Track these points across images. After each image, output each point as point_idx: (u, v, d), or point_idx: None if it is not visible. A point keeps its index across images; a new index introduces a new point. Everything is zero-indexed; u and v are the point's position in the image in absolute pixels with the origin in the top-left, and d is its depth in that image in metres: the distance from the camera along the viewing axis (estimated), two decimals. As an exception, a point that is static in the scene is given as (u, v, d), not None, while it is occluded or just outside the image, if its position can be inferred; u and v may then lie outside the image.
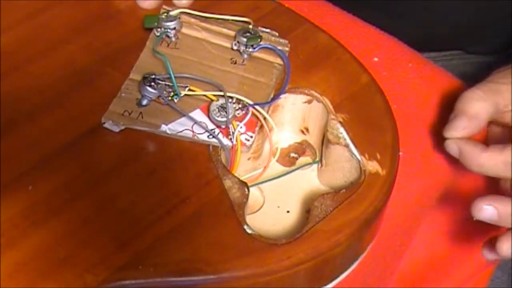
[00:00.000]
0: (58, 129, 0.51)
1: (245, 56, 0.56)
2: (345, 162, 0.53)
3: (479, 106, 0.55)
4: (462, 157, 0.54)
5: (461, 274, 0.65)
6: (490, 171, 0.54)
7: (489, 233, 0.64)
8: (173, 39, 0.57)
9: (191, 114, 0.52)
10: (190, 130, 0.51)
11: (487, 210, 0.53)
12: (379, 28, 0.67)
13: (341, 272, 0.52)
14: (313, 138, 0.57)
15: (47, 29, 0.57)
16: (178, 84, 0.53)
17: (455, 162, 0.57)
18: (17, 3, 0.58)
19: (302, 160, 0.57)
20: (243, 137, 0.52)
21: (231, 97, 0.52)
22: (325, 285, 0.51)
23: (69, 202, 0.48)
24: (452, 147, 0.55)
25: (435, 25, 0.73)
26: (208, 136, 0.51)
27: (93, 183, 0.49)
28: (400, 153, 0.52)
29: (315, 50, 0.57)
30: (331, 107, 0.54)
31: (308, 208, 0.52)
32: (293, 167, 0.57)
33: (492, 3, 0.70)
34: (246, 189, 0.49)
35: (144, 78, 0.52)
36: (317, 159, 0.57)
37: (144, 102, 0.52)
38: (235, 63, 0.56)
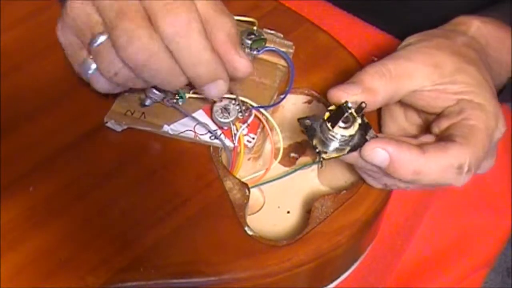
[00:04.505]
0: (59, 129, 0.51)
1: (249, 58, 0.55)
2: (345, 162, 0.53)
3: (379, 83, 0.46)
4: (393, 163, 0.44)
5: (457, 274, 0.65)
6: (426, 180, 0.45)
7: (486, 233, 0.64)
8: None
9: (193, 115, 0.52)
10: (192, 131, 0.51)
11: (379, 153, 0.44)
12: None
13: (342, 273, 0.52)
14: (313, 138, 0.57)
15: (47, 29, 0.57)
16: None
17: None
18: (17, 3, 0.58)
19: (302, 159, 0.57)
20: (244, 139, 0.52)
21: (234, 99, 0.52)
22: (326, 285, 0.51)
23: (70, 204, 0.48)
24: (379, 152, 0.45)
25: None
26: (210, 137, 0.51)
27: (94, 184, 0.49)
28: None
29: (315, 50, 0.57)
30: (331, 107, 0.54)
31: (309, 208, 0.53)
32: (294, 167, 0.57)
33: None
34: (246, 190, 0.49)
35: None
36: (317, 159, 0.56)
37: (147, 102, 0.52)
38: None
